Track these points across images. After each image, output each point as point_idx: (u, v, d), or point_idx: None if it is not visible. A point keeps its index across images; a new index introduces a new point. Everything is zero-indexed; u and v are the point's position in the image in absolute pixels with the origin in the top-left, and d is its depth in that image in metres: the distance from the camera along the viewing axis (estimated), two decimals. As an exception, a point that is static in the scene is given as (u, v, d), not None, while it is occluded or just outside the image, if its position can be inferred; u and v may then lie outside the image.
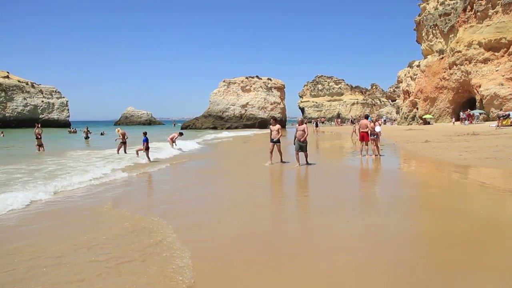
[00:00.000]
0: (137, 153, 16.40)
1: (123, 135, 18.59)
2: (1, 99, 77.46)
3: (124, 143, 18.52)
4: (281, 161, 13.34)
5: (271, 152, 13.16)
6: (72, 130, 56.48)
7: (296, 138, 12.58)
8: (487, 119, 37.01)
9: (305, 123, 13.56)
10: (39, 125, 22.12)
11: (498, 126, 28.26)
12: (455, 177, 10.20)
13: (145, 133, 15.82)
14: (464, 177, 10.10)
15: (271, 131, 13.45)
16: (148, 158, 15.48)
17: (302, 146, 12.50)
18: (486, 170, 10.88)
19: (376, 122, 16.21)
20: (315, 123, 44.80)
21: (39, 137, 20.93)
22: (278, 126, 13.44)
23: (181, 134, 22.82)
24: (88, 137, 34.58)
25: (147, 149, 15.42)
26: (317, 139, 30.99)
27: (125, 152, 18.31)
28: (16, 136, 41.33)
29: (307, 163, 12.63)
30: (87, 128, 37.49)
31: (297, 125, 12.99)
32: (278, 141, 13.15)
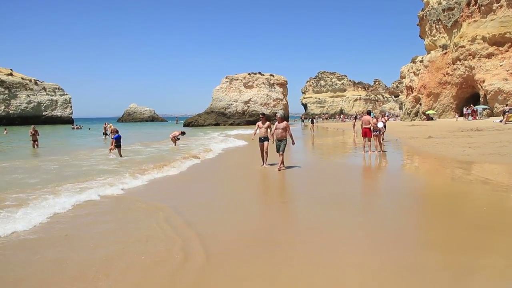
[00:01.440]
0: (110, 151, 16.39)
1: (114, 131, 18.71)
2: (4, 96, 77.82)
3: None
4: (265, 162, 11.92)
5: (263, 153, 11.84)
6: (77, 126, 56.88)
7: (275, 138, 11.26)
8: (491, 114, 36.80)
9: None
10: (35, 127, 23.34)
11: (504, 121, 28.05)
12: (459, 173, 10.14)
13: (117, 131, 16.59)
14: (468, 173, 10.04)
15: (258, 128, 11.76)
16: (120, 155, 15.74)
17: (278, 146, 11.15)
18: (489, 166, 10.83)
19: (382, 118, 16.15)
20: (310, 119, 44.83)
21: (34, 133, 22.39)
22: (268, 123, 11.76)
23: (183, 133, 22.64)
24: (107, 134, 30.83)
25: (117, 146, 15.94)
26: (313, 135, 30.89)
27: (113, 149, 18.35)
28: (20, 133, 41.45)
29: (283, 165, 11.26)
30: (108, 124, 33.99)
31: (276, 122, 11.39)
32: (267, 139, 11.64)
